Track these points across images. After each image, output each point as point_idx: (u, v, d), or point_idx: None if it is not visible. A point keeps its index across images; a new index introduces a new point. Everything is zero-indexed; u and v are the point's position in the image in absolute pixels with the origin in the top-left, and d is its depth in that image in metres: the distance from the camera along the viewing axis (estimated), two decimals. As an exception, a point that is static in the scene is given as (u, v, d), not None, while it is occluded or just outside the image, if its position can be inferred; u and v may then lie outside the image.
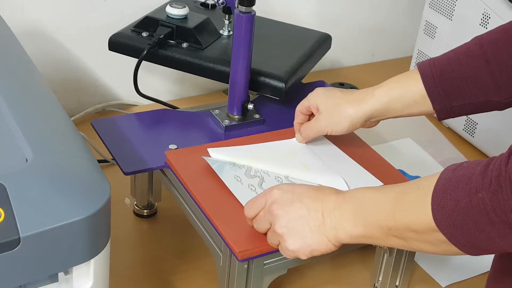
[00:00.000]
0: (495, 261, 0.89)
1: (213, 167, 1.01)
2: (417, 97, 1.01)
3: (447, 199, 0.73)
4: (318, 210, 0.84)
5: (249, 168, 1.02)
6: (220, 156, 1.04)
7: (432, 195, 0.74)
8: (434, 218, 0.73)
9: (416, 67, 1.03)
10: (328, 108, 1.05)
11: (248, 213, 0.90)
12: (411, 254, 1.03)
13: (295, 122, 1.10)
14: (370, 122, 1.06)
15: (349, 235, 0.83)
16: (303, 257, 0.86)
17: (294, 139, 1.10)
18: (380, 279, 1.06)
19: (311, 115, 1.09)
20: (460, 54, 0.99)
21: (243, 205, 0.92)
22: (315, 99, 1.06)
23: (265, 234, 0.89)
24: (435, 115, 1.03)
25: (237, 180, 0.99)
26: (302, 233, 0.84)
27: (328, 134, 1.06)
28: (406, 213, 0.77)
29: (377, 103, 1.03)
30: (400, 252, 1.02)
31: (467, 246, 0.73)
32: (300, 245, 0.85)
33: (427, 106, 1.01)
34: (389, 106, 1.03)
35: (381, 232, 0.80)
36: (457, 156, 1.42)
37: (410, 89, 1.01)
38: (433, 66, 1.00)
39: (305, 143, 1.10)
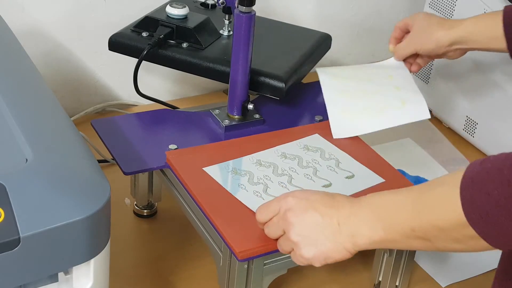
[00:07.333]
0: (507, 255, 0.87)
1: (215, 177, 1.00)
2: (498, 34, 1.13)
3: (478, 193, 0.71)
4: (333, 217, 0.83)
5: (251, 175, 1.02)
6: (327, 75, 1.19)
7: (461, 190, 0.73)
8: (465, 213, 0.72)
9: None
10: (420, 27, 1.19)
11: (260, 218, 0.89)
12: (411, 254, 1.03)
13: (392, 35, 1.25)
14: (454, 50, 1.19)
15: (368, 241, 0.82)
16: (317, 264, 0.85)
17: (392, 59, 1.24)
18: (380, 279, 1.06)
19: (405, 35, 1.23)
20: None
21: (253, 210, 0.91)
22: (414, 18, 1.21)
23: (276, 239, 0.88)
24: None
25: (242, 187, 0.99)
26: (317, 241, 0.84)
27: (417, 52, 1.20)
28: (433, 211, 0.76)
29: (463, 31, 1.16)
30: (400, 252, 1.02)
31: (498, 239, 0.72)
32: (315, 253, 0.84)
33: (505, 44, 1.13)
34: (472, 37, 1.16)
35: (403, 235, 0.79)
36: (457, 156, 1.42)
37: (495, 25, 1.14)
38: None
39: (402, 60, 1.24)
